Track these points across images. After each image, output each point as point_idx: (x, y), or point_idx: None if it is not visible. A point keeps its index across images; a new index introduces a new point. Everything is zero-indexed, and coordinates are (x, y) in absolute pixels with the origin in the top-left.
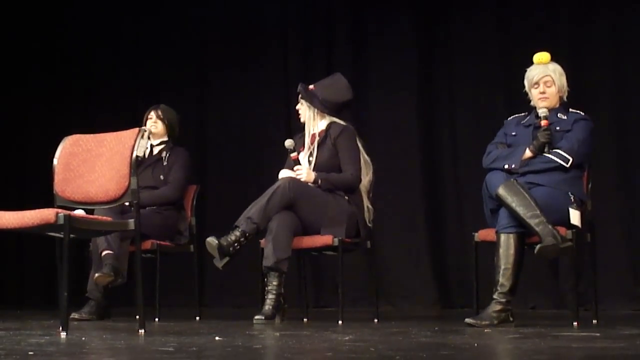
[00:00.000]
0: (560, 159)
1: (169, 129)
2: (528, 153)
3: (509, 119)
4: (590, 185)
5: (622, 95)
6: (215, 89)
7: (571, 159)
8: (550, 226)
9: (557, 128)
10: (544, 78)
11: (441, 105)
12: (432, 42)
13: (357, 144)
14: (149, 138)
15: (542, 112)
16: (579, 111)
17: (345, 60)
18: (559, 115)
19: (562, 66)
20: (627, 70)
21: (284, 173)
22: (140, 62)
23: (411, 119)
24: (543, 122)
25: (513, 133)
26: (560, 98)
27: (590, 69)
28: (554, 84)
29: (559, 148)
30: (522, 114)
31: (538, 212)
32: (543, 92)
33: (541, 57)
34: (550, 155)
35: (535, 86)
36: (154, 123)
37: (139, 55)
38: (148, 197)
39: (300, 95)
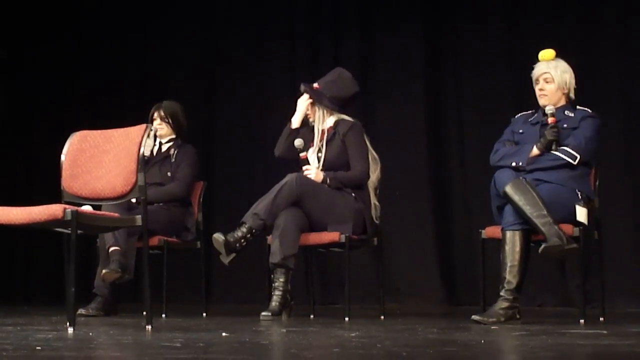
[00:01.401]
0: (567, 157)
1: (175, 127)
2: (535, 151)
3: (516, 116)
4: (597, 183)
5: (631, 93)
6: (223, 86)
7: (578, 156)
8: (556, 227)
9: (565, 125)
10: (544, 75)
11: (449, 102)
12: (439, 39)
13: (365, 140)
14: (155, 137)
15: (549, 109)
16: (586, 108)
17: (353, 57)
18: (566, 112)
19: (570, 64)
20: (636, 68)
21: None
22: (147, 59)
23: (418, 116)
24: (550, 120)
25: (520, 131)
26: (566, 95)
27: (599, 67)
28: (554, 81)
29: (566, 145)
30: (530, 111)
31: (545, 212)
32: (542, 89)
33: (545, 54)
34: (557, 153)
35: (536, 83)
36: (159, 125)
37: (147, 51)
38: (155, 193)
39: (307, 95)
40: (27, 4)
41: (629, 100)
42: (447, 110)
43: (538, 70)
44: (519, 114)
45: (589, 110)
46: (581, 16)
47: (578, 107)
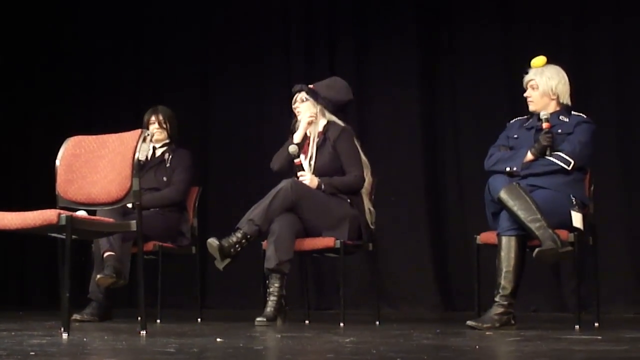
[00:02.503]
0: (561, 162)
1: (171, 132)
2: (529, 156)
3: (511, 121)
4: (592, 188)
5: (625, 99)
6: (218, 90)
7: (573, 162)
8: (550, 230)
9: (559, 131)
10: (530, 82)
11: (444, 108)
12: (434, 44)
13: (356, 145)
14: (150, 141)
15: (543, 114)
16: (581, 114)
17: (348, 62)
18: (560, 117)
19: (565, 69)
20: (630, 73)
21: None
22: (142, 63)
23: (413, 121)
24: (544, 125)
25: (515, 136)
26: (555, 101)
27: (593, 72)
28: (538, 87)
29: (561, 151)
30: (525, 116)
31: (539, 216)
32: (528, 96)
33: (535, 61)
34: (551, 158)
35: (525, 89)
36: (157, 130)
37: (142, 55)
38: (150, 199)
39: (299, 95)
40: (23, 10)
41: (624, 105)
42: (442, 116)
43: (527, 77)
44: (514, 119)
45: (584, 115)
46: (576, 21)
47: (573, 112)
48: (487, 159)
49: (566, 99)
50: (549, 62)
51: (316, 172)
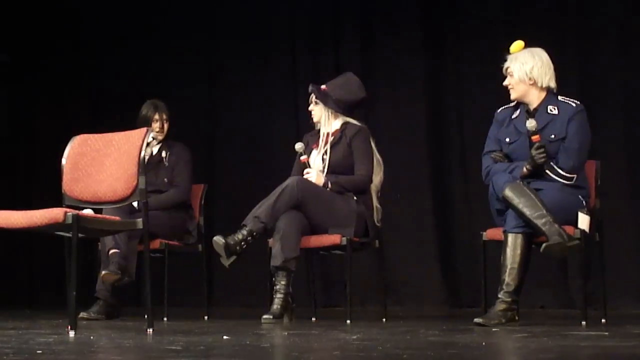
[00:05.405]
0: (563, 179)
1: (169, 128)
2: (525, 171)
3: (498, 110)
4: (599, 183)
5: (632, 90)
6: (223, 88)
7: (575, 176)
8: (556, 225)
9: (552, 136)
10: (508, 69)
11: (449, 104)
12: (440, 40)
13: (371, 145)
14: (152, 139)
15: (529, 123)
16: (569, 100)
17: (353, 59)
18: (549, 109)
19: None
20: (637, 64)
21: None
22: (148, 61)
23: (419, 118)
24: (534, 138)
25: (507, 139)
26: (535, 87)
27: (600, 63)
28: (514, 74)
29: (561, 168)
30: (511, 104)
31: (544, 211)
32: (508, 84)
33: (513, 47)
34: (552, 175)
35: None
36: (159, 130)
37: (147, 53)
38: (156, 202)
39: (314, 96)
40: (30, 9)
41: (631, 97)
42: (448, 112)
43: (504, 65)
44: (501, 109)
45: (572, 103)
46: (581, 11)
47: (560, 98)
48: (483, 173)
49: (547, 82)
50: (530, 45)
51: (330, 168)
